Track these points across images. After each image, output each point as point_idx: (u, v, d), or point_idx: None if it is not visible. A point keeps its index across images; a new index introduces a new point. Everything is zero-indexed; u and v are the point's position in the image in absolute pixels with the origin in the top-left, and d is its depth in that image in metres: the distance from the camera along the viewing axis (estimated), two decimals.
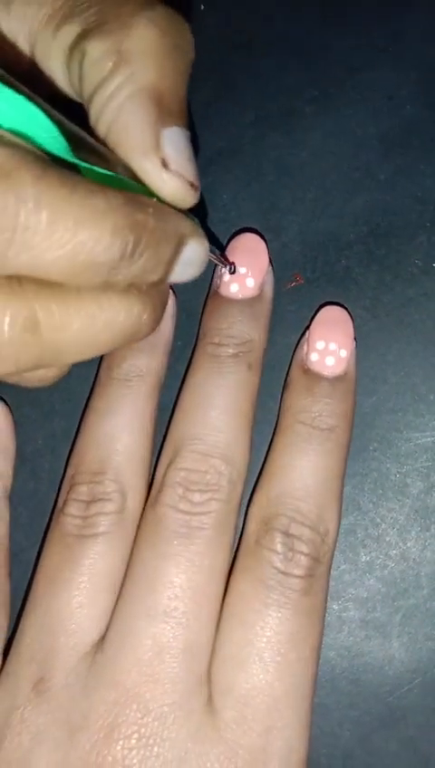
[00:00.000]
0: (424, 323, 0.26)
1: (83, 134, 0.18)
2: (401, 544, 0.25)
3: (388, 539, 0.25)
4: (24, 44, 0.21)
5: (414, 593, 0.25)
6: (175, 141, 0.19)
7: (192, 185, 0.19)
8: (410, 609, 0.25)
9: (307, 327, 0.26)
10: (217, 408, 0.24)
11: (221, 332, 0.25)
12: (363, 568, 0.25)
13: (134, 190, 0.18)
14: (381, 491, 0.25)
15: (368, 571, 0.25)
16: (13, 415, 0.27)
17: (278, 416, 0.25)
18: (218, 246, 0.26)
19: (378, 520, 0.25)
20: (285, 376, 0.26)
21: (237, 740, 0.21)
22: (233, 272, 0.25)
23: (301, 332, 0.26)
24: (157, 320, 0.20)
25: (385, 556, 0.25)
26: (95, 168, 0.17)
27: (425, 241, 0.26)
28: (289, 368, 0.26)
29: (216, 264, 0.25)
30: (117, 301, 0.18)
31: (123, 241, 0.17)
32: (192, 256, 0.19)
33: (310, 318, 0.26)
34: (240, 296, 0.25)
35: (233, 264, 0.25)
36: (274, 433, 0.25)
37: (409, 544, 0.25)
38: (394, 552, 0.25)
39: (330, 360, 0.25)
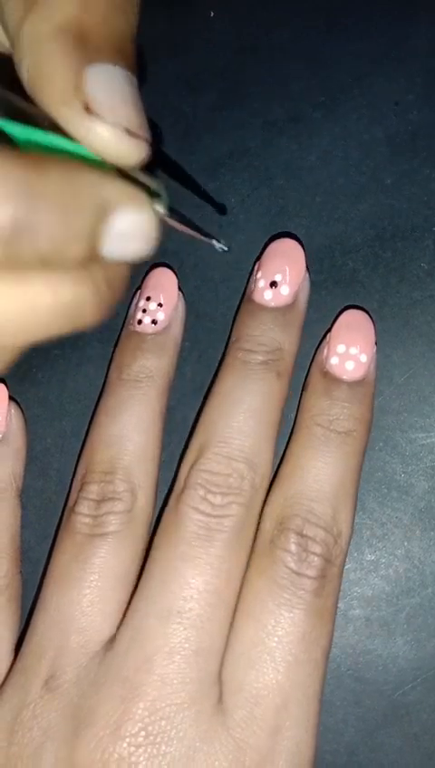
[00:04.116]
0: (429, 325, 0.26)
1: (17, 98, 0.16)
2: (405, 544, 0.25)
3: (393, 538, 0.25)
4: None
5: (418, 592, 0.25)
6: (103, 81, 0.15)
7: (129, 132, 0.15)
8: (414, 608, 0.25)
9: (312, 328, 0.26)
10: (244, 414, 0.24)
11: (252, 339, 0.25)
12: (368, 567, 0.25)
13: (77, 153, 0.16)
14: (386, 491, 0.26)
15: (373, 569, 0.25)
16: (24, 415, 0.27)
17: (296, 417, 0.25)
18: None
19: (383, 519, 0.26)
20: (296, 378, 0.26)
21: (246, 739, 0.21)
22: (224, 213, 0.23)
23: (304, 335, 0.26)
24: (104, 300, 0.17)
25: (390, 555, 0.25)
26: (30, 133, 0.15)
27: (431, 244, 0.26)
28: (308, 370, 0.25)
29: (251, 270, 0.24)
30: (38, 280, 0.15)
31: (12, 210, 0.14)
32: (128, 228, 0.16)
33: (316, 320, 0.26)
34: (273, 304, 0.25)
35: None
36: (291, 434, 0.25)
37: (413, 544, 0.25)
38: (399, 551, 0.25)
39: (350, 365, 0.24)
